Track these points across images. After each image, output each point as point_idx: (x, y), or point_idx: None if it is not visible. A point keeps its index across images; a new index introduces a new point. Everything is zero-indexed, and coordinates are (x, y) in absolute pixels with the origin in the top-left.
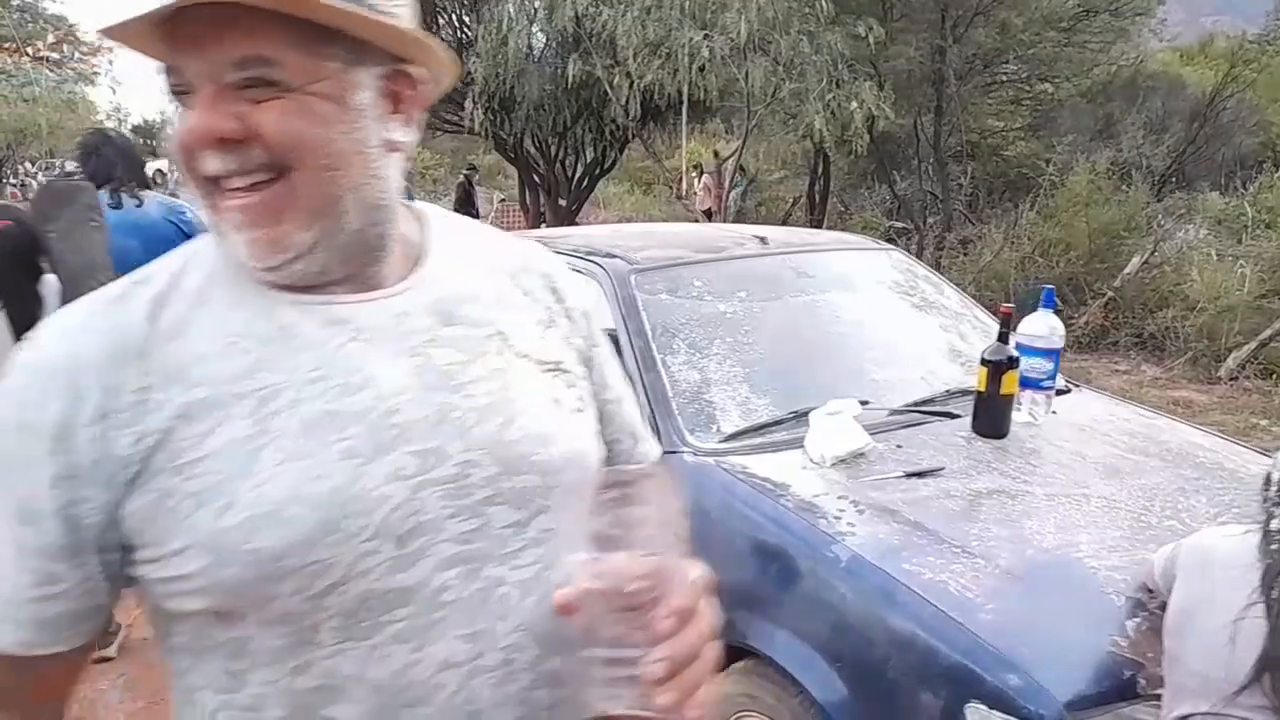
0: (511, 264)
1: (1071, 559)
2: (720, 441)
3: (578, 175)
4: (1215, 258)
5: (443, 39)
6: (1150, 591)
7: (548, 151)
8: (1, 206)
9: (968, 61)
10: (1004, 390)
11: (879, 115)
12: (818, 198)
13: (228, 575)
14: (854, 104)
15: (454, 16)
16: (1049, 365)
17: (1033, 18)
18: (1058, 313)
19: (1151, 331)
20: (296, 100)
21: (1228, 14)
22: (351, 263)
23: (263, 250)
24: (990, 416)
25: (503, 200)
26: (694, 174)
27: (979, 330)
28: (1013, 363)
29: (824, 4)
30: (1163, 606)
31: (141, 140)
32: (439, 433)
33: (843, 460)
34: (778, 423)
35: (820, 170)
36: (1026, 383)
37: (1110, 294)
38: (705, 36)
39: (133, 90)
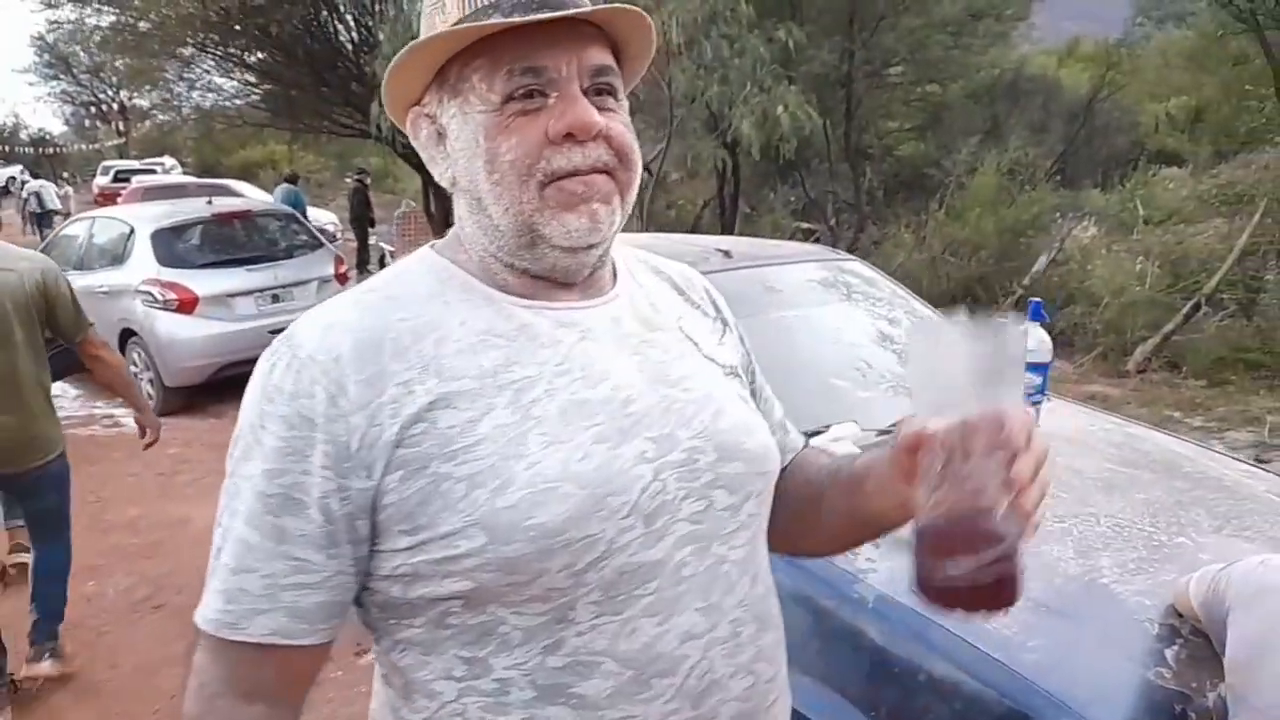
0: (672, 277)
1: (1098, 585)
2: None
3: None
4: (1110, 253)
5: (340, 41)
6: (1180, 616)
7: None
8: None
9: (868, 63)
10: None
11: (804, 120)
12: (728, 200)
13: (508, 551)
14: (780, 108)
15: (352, 17)
16: (1038, 380)
17: (930, 21)
18: (972, 313)
19: (1061, 328)
20: (621, 111)
21: (1084, 19)
22: (600, 264)
23: (589, 223)
24: None
25: (412, 207)
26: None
27: None
28: None
29: (745, 8)
30: (1195, 632)
31: None
32: (667, 421)
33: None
34: None
35: (729, 173)
36: None
37: (1021, 292)
38: None
39: None
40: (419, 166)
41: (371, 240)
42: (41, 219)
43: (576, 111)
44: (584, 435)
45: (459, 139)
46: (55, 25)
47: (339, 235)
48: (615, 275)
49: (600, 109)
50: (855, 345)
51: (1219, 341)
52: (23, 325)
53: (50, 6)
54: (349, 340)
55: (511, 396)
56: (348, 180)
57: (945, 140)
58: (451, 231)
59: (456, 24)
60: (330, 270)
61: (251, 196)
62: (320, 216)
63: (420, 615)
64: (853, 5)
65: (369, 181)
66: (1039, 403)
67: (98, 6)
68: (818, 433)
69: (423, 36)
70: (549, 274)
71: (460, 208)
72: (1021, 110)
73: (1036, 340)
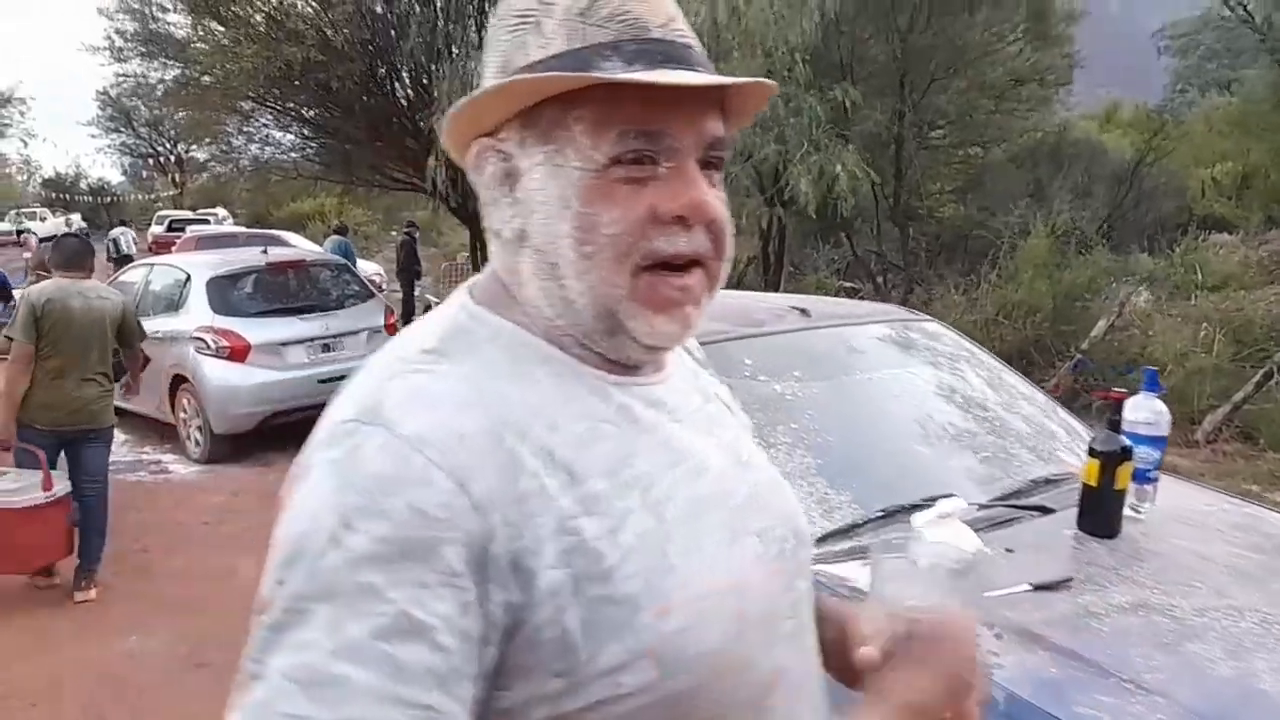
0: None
1: (1257, 691)
2: None
3: None
4: (1168, 319)
5: (397, 97)
6: None
7: None
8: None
9: (916, 125)
10: (1118, 485)
11: (862, 178)
12: (773, 257)
13: (679, 684)
14: (838, 167)
15: (408, 74)
16: (1155, 454)
17: (975, 84)
18: (1028, 375)
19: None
20: (721, 188)
21: (1119, 86)
22: None
23: (679, 329)
24: (1102, 514)
25: (468, 256)
26: None
27: (1033, 405)
28: (1126, 454)
29: (802, 68)
30: None
31: (54, 194)
32: (757, 511)
33: (957, 570)
34: (865, 523)
35: (774, 230)
36: (1134, 474)
37: (1079, 356)
38: None
39: (45, 145)
40: (467, 220)
41: (416, 292)
42: (119, 262)
43: (693, 194)
44: (709, 540)
45: (543, 191)
46: (122, 79)
47: (384, 286)
48: None
49: (708, 185)
50: (943, 411)
51: None
52: (110, 334)
53: (119, 61)
54: (469, 417)
55: (640, 498)
56: (401, 233)
57: (985, 203)
58: (491, 276)
59: (559, 54)
60: (380, 321)
61: (301, 246)
62: (366, 267)
63: None
64: (904, 67)
65: (417, 235)
66: (1155, 480)
67: (164, 61)
68: (919, 506)
69: (517, 58)
70: (622, 361)
71: (523, 266)
72: (1065, 174)
73: (1154, 412)
